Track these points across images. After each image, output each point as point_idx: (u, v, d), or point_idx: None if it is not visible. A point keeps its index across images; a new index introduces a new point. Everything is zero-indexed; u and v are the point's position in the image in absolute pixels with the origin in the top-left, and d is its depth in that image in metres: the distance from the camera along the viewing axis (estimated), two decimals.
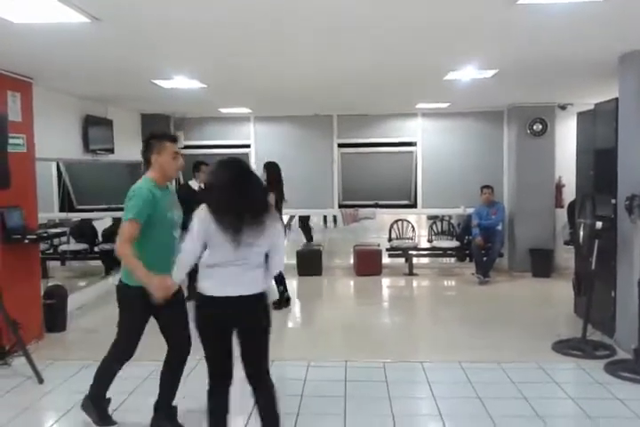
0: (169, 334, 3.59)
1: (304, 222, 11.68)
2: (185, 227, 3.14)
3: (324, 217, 13.14)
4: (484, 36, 4.41)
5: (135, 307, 3.46)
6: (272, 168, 6.89)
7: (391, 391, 4.25)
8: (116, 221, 9.15)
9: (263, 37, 4.25)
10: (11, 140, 4.86)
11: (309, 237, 11.49)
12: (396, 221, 9.49)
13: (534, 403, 4.02)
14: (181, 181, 9.23)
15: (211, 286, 2.96)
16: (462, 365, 4.78)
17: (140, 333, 3.55)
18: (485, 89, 6.83)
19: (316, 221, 12.42)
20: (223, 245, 2.89)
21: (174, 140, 3.55)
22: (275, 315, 7.04)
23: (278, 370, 4.69)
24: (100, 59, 4.93)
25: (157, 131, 3.70)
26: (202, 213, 2.92)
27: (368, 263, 8.82)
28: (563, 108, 8.71)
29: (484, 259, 8.36)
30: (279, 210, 6.54)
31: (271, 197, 6.51)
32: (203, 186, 6.90)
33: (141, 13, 3.59)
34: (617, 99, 5.20)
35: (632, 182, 4.80)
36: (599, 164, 5.67)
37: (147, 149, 3.48)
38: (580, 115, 6.36)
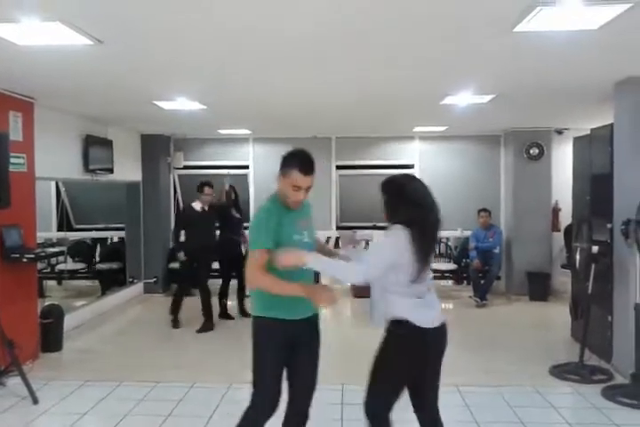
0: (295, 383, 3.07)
1: None
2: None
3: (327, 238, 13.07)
4: (481, 63, 4.48)
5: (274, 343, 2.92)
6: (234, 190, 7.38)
7: None
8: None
9: (263, 63, 4.31)
10: (12, 160, 4.89)
11: None
12: None
13: None
14: (181, 204, 9.28)
15: (425, 317, 2.80)
16: (459, 388, 4.75)
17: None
18: (482, 113, 6.91)
19: None
20: (415, 267, 2.73)
21: (306, 172, 2.94)
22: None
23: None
24: (102, 80, 4.99)
25: (296, 153, 3.03)
26: (400, 238, 2.71)
27: (365, 285, 8.77)
28: (559, 132, 8.79)
29: (482, 282, 8.36)
30: None
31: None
32: (206, 208, 6.94)
33: (143, 36, 3.65)
34: (612, 124, 5.27)
35: (628, 207, 4.83)
36: (595, 188, 5.72)
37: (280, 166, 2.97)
38: (577, 139, 6.43)
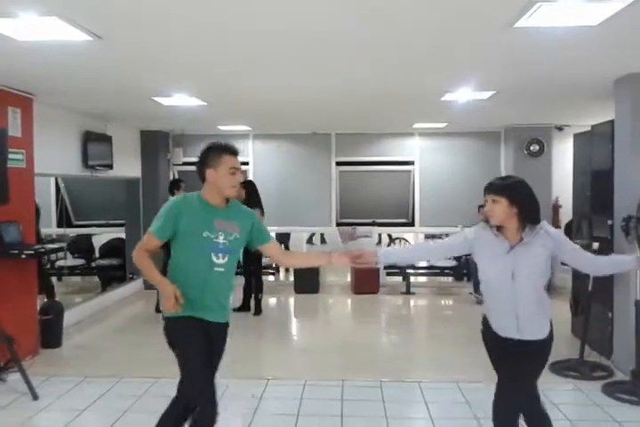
0: None
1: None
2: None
3: (311, 235, 13.06)
4: (481, 59, 4.47)
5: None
6: (252, 186, 7.36)
7: (388, 411, 4.23)
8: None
9: (262, 57, 4.30)
10: (10, 156, 4.88)
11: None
12: (394, 240, 9.50)
13: None
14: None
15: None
16: (459, 385, 4.76)
17: None
18: (482, 110, 6.90)
19: (299, 238, 12.22)
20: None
21: (235, 153, 3.04)
22: (271, 333, 7.01)
23: (274, 389, 4.69)
24: (101, 76, 4.97)
25: (216, 142, 3.07)
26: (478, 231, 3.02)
27: (365, 282, 8.80)
28: (559, 129, 8.79)
29: None
30: None
31: (257, 213, 6.89)
32: None
33: (143, 32, 3.64)
34: (613, 121, 5.25)
35: (628, 203, 4.82)
36: (596, 185, 5.71)
37: (202, 163, 3.01)
38: (577, 136, 6.42)
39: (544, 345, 2.95)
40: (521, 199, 2.90)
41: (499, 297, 2.95)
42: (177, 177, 7.33)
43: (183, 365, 2.94)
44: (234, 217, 3.04)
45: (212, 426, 2.89)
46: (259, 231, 3.16)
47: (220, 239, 2.96)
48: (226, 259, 2.98)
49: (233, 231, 3.01)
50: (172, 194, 7.32)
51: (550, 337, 2.96)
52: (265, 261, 9.02)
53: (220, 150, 3.00)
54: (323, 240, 13.24)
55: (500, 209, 2.87)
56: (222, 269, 2.98)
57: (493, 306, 3.00)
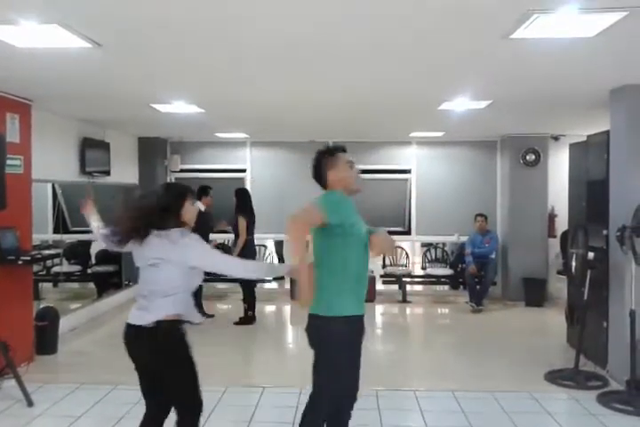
0: None
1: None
2: None
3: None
4: (479, 69, 4.50)
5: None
6: (244, 194, 7.55)
7: (383, 420, 4.23)
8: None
9: (261, 66, 4.32)
10: (8, 162, 4.88)
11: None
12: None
13: None
14: None
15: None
16: (455, 394, 4.76)
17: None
18: (479, 119, 6.94)
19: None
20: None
21: (345, 150, 3.15)
22: (265, 342, 6.98)
23: (268, 397, 4.68)
24: (100, 83, 4.99)
25: (324, 147, 3.18)
26: None
27: None
28: (555, 139, 8.84)
29: (478, 287, 8.37)
30: (251, 233, 7.27)
31: (242, 221, 7.19)
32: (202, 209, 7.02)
33: (142, 40, 3.66)
34: (608, 131, 5.29)
35: (623, 213, 4.85)
36: (591, 194, 5.73)
37: (319, 169, 3.10)
38: (573, 146, 6.45)
39: None
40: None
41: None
42: (204, 184, 7.53)
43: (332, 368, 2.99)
44: None
45: None
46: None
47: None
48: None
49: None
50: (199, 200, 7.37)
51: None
52: None
53: (333, 151, 3.10)
54: None
55: None
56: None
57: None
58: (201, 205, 7.08)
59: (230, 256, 3.43)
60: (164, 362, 2.91)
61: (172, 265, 2.87)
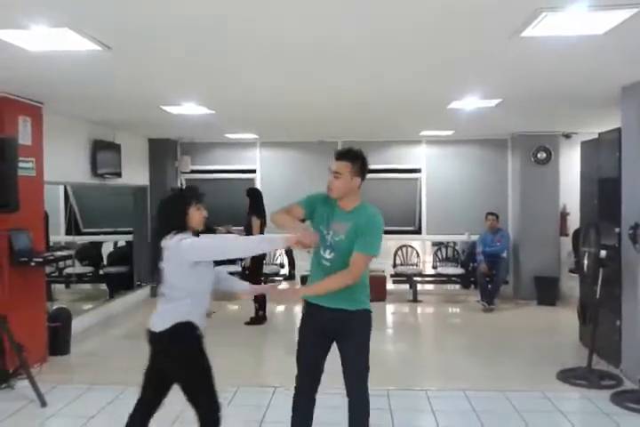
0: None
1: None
2: None
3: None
4: (488, 67, 4.49)
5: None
6: (256, 194, 7.50)
7: (395, 420, 4.23)
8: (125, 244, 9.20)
9: (271, 68, 4.33)
10: (20, 164, 4.92)
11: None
12: (401, 247, 9.49)
13: None
14: None
15: None
16: (467, 393, 4.74)
17: None
18: (489, 117, 6.90)
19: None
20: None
21: (338, 157, 3.45)
22: (272, 343, 6.99)
23: (280, 397, 4.68)
24: (110, 85, 5.02)
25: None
26: None
27: (372, 289, 8.65)
28: (567, 136, 8.78)
29: (489, 286, 8.34)
30: (263, 233, 7.15)
31: (255, 221, 7.14)
32: None
33: (151, 43, 3.68)
34: (620, 128, 5.26)
35: (635, 211, 4.82)
36: (603, 192, 5.70)
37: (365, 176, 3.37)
38: (584, 144, 6.42)
39: None
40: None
41: None
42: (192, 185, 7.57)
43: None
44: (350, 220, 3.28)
45: None
46: (357, 238, 3.26)
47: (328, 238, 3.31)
48: (332, 255, 3.32)
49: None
50: None
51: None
52: (273, 268, 9.03)
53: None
54: None
55: None
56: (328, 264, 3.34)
57: None
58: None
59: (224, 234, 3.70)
60: (170, 366, 3.01)
61: (172, 266, 2.92)
